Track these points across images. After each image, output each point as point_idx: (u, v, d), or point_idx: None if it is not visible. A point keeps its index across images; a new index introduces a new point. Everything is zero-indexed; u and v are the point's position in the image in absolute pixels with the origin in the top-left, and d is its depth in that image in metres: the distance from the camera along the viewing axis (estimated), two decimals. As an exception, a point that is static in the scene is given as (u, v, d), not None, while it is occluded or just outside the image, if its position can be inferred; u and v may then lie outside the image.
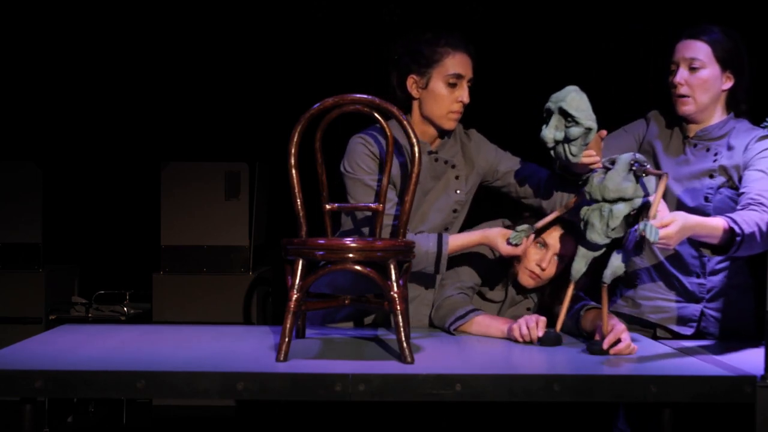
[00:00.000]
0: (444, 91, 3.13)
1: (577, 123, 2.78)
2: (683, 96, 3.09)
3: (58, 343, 2.85)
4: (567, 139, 2.79)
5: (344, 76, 5.59)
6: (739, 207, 2.94)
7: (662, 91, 3.19)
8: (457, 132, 3.26)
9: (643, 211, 2.78)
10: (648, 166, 2.80)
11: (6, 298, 5.40)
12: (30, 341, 2.89)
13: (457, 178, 3.22)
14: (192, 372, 2.40)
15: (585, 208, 2.84)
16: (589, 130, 2.78)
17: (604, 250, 2.84)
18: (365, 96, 2.72)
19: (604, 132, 2.93)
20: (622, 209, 2.76)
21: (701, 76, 3.08)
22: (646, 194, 2.78)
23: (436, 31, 3.15)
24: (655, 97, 3.30)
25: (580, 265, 2.87)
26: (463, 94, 3.14)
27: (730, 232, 2.79)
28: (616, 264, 2.75)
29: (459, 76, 3.12)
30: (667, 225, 2.70)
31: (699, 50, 3.08)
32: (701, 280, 3.13)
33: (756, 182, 2.96)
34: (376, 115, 2.76)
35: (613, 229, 2.77)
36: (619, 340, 2.75)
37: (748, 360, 2.66)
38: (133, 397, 3.98)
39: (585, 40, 5.70)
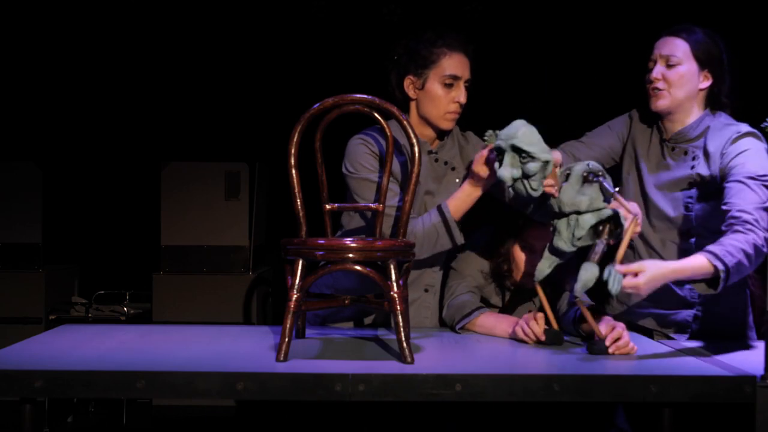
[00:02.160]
0: (440, 91, 3.12)
1: (533, 158, 2.73)
2: (658, 90, 3.06)
3: (58, 343, 2.85)
4: (525, 175, 2.75)
5: (344, 76, 5.59)
6: (723, 226, 2.84)
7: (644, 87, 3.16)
8: (455, 134, 3.26)
9: (612, 221, 2.76)
10: (601, 178, 2.76)
11: (6, 298, 5.40)
12: (30, 341, 2.89)
13: (457, 180, 3.21)
14: (192, 372, 2.40)
15: (554, 220, 2.84)
16: (546, 162, 2.74)
17: (569, 256, 2.85)
18: (365, 96, 2.72)
19: (558, 159, 2.84)
20: (588, 219, 2.75)
21: (678, 71, 3.05)
22: (603, 205, 2.75)
23: (435, 31, 3.14)
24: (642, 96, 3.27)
25: (543, 266, 2.87)
26: (460, 94, 3.13)
27: (713, 269, 2.71)
28: (585, 277, 2.71)
29: (455, 77, 3.11)
30: (636, 274, 2.66)
31: (677, 47, 3.05)
32: (692, 286, 3.09)
33: (737, 196, 2.86)
34: (376, 115, 2.76)
35: (579, 239, 2.77)
36: (619, 338, 2.76)
37: (748, 360, 2.66)
38: (133, 397, 3.98)
39: (584, 39, 5.70)
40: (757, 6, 5.37)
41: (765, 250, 2.80)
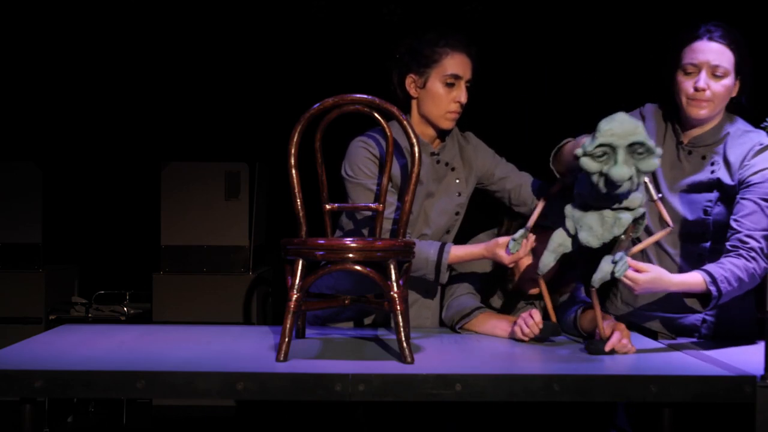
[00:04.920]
0: (441, 91, 3.12)
1: (650, 152, 2.60)
2: (703, 100, 2.96)
3: (58, 343, 2.85)
4: (639, 171, 2.61)
5: (344, 76, 5.59)
6: (728, 244, 2.89)
7: (663, 89, 3.11)
8: (455, 134, 3.26)
9: (638, 221, 2.77)
10: (647, 179, 2.78)
11: (6, 298, 5.40)
12: (30, 341, 2.89)
13: (457, 180, 3.22)
14: (192, 372, 2.40)
15: (571, 208, 2.77)
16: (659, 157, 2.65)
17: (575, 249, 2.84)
18: (365, 96, 2.72)
19: None
20: (628, 218, 2.72)
21: (725, 84, 2.96)
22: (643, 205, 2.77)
23: (438, 31, 3.14)
24: (653, 94, 3.25)
25: (549, 259, 2.85)
26: (461, 94, 3.13)
27: (707, 291, 2.81)
28: (606, 269, 2.71)
29: (457, 77, 3.12)
30: (641, 271, 2.74)
31: (724, 56, 2.94)
32: None
33: (748, 217, 2.89)
34: (376, 115, 2.76)
35: (614, 237, 2.76)
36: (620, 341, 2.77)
37: (748, 360, 2.66)
38: (133, 397, 3.98)
39: (584, 39, 5.71)
40: (757, 3, 5.37)
41: (759, 280, 2.88)
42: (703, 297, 2.86)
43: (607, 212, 2.73)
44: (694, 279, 2.83)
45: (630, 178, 2.59)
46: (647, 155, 2.59)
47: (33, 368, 2.41)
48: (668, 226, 2.82)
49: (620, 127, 2.56)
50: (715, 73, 2.95)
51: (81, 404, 5.26)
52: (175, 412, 5.19)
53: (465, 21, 5.70)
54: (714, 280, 2.81)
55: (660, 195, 2.85)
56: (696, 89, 2.96)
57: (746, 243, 2.87)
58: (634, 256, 2.83)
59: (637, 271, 2.75)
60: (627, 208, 2.73)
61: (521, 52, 5.77)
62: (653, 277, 2.76)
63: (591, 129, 3.28)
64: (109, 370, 2.41)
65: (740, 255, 2.86)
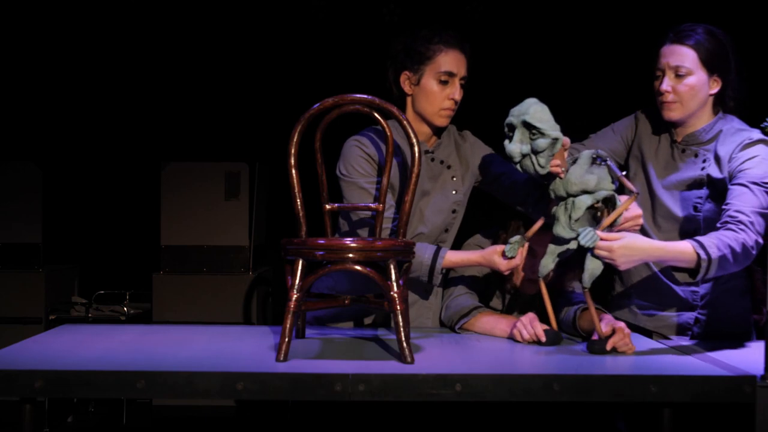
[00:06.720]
0: (435, 88, 3.13)
1: (543, 134, 2.76)
2: (670, 102, 3.03)
3: (58, 343, 2.85)
4: (534, 151, 2.77)
5: (344, 76, 5.59)
6: (718, 223, 2.88)
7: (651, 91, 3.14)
8: (452, 132, 3.26)
9: (609, 205, 2.79)
10: (609, 162, 2.80)
11: (6, 298, 5.41)
12: (30, 341, 2.89)
13: (453, 178, 3.22)
14: (192, 372, 2.40)
15: (554, 207, 2.85)
16: (555, 140, 2.76)
17: (570, 246, 2.84)
18: (365, 96, 2.72)
19: (567, 141, 2.84)
20: (584, 200, 2.77)
21: (688, 83, 3.00)
22: (610, 187, 2.79)
23: (432, 28, 3.16)
24: (648, 95, 3.26)
25: (547, 261, 2.88)
26: (455, 91, 3.13)
27: (696, 258, 2.75)
28: (592, 266, 2.74)
29: (451, 74, 3.12)
30: (612, 240, 2.72)
31: (685, 57, 2.99)
32: (694, 288, 3.10)
33: (738, 198, 2.89)
34: (376, 115, 2.76)
35: (576, 221, 2.77)
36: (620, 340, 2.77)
37: (748, 360, 2.66)
38: (133, 397, 3.98)
39: (584, 39, 5.71)
40: (757, 3, 5.37)
41: (754, 252, 2.84)
42: (692, 269, 2.80)
43: (569, 200, 2.81)
44: (681, 245, 2.78)
45: (525, 156, 2.77)
46: (539, 136, 2.77)
47: (33, 368, 2.41)
48: (633, 192, 2.82)
49: (519, 108, 2.81)
50: (677, 73, 3.01)
51: (81, 404, 5.27)
52: (175, 412, 5.19)
53: (465, 21, 5.71)
54: (702, 246, 2.75)
55: (624, 172, 2.88)
56: (660, 92, 3.03)
57: (735, 217, 2.84)
58: None
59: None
60: (585, 191, 2.78)
61: (522, 52, 5.77)
62: (628, 241, 2.71)
63: (592, 130, 3.31)
64: (109, 370, 2.41)
65: (729, 228, 2.83)
